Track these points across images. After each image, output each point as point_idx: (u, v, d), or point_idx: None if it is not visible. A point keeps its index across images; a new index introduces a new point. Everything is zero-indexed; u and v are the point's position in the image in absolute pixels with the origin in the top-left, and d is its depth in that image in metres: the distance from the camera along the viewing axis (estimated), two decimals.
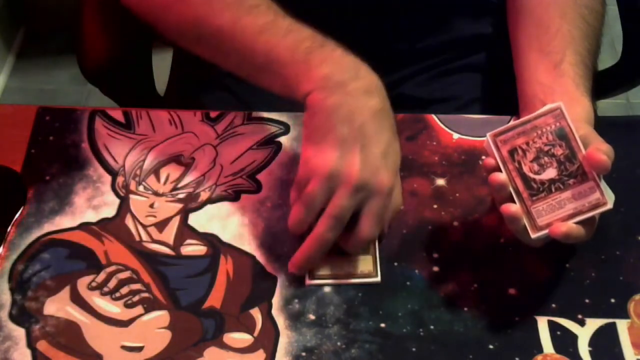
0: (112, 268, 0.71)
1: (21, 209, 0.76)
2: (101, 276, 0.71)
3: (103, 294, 0.70)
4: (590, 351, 0.66)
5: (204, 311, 0.69)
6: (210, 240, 0.73)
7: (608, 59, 1.01)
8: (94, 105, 0.84)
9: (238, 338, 0.67)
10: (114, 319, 0.68)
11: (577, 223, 0.65)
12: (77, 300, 0.69)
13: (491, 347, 0.67)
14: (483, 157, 0.78)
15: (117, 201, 0.76)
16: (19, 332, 0.68)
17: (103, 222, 0.74)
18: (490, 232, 0.73)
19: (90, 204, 0.76)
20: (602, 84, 1.04)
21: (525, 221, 0.66)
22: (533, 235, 0.66)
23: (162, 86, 1.09)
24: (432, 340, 0.67)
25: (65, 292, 0.70)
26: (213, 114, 0.82)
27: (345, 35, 0.90)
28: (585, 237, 0.66)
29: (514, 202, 0.66)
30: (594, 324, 0.68)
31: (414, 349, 0.67)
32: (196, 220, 0.74)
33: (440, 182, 0.77)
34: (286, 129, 0.81)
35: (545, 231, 0.65)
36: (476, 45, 0.96)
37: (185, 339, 0.67)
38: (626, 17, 1.00)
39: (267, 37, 0.73)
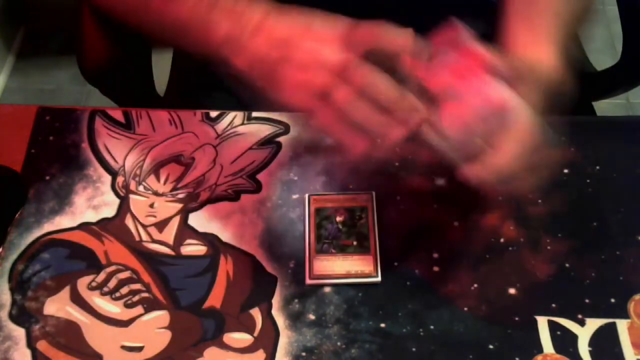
0: (112, 268, 0.71)
1: (21, 209, 0.76)
2: (101, 276, 0.71)
3: (103, 294, 0.70)
4: (590, 351, 0.66)
5: (204, 311, 0.69)
6: (210, 240, 0.73)
7: (608, 59, 1.01)
8: (94, 105, 0.84)
9: (238, 338, 0.67)
10: (114, 319, 0.68)
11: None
12: (77, 300, 0.69)
13: (491, 347, 0.67)
14: None
15: (117, 201, 0.76)
16: (19, 332, 0.68)
17: (103, 222, 0.74)
18: (490, 232, 0.73)
19: (90, 204, 0.76)
20: (602, 84, 1.04)
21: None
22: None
23: (162, 86, 1.09)
24: (432, 340, 0.67)
25: (65, 292, 0.70)
26: (213, 114, 0.82)
27: None
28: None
29: None
30: (594, 324, 0.68)
31: (414, 349, 0.67)
32: (196, 220, 0.75)
33: (440, 182, 0.77)
34: (286, 129, 0.81)
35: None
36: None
37: (185, 339, 0.67)
38: (626, 17, 1.00)
39: (174, 5, 0.73)
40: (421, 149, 0.79)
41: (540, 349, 0.66)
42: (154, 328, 0.68)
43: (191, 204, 0.76)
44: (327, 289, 0.70)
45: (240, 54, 0.70)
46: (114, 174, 0.78)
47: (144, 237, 0.73)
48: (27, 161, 0.79)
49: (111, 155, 0.79)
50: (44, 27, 1.97)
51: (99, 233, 0.74)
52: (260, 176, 0.77)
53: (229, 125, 0.81)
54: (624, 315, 0.68)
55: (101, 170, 0.78)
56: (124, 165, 0.78)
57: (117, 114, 0.82)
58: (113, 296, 0.70)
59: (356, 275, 0.70)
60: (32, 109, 0.83)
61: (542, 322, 0.68)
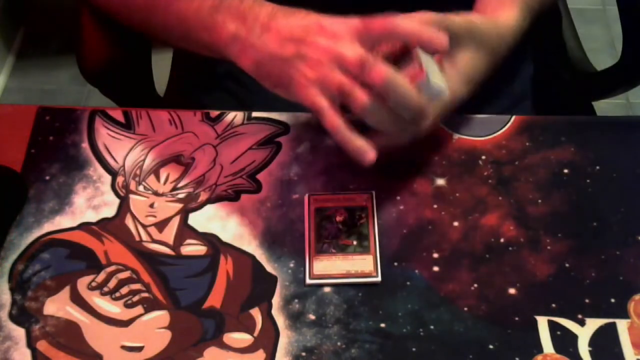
0: (112, 268, 0.71)
1: (21, 209, 0.76)
2: (101, 276, 0.71)
3: (103, 294, 0.70)
4: (590, 351, 0.66)
5: (204, 311, 0.69)
6: (210, 240, 0.73)
7: (608, 59, 1.01)
8: (94, 105, 0.84)
9: (238, 338, 0.67)
10: (114, 319, 0.68)
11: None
12: (77, 300, 0.69)
13: (491, 347, 0.67)
14: (483, 157, 0.78)
15: (117, 201, 0.76)
16: (19, 332, 0.68)
17: (103, 222, 0.74)
18: (490, 232, 0.73)
19: (90, 204, 0.76)
20: (602, 84, 1.04)
21: None
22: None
23: (162, 86, 1.09)
24: (432, 340, 0.67)
25: (65, 292, 0.70)
26: (213, 114, 0.82)
27: None
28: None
29: None
30: (594, 324, 0.68)
31: (414, 349, 0.67)
32: (196, 220, 0.75)
33: (440, 182, 0.77)
34: (286, 129, 0.81)
35: None
36: None
37: (185, 339, 0.67)
38: (626, 17, 1.00)
39: (178, 6, 0.74)
40: (421, 149, 0.79)
41: (540, 349, 0.66)
42: (154, 328, 0.68)
43: (191, 204, 0.76)
44: (327, 289, 0.70)
45: (248, 52, 0.70)
46: (114, 174, 0.78)
47: (144, 237, 0.73)
48: (27, 161, 0.79)
49: (111, 155, 0.79)
50: (44, 27, 1.97)
51: (99, 233, 0.74)
52: (260, 176, 0.77)
53: (229, 125, 0.81)
54: (624, 315, 0.68)
55: (101, 170, 0.78)
56: (124, 165, 0.78)
57: (117, 114, 0.82)
58: (113, 296, 0.70)
59: (356, 275, 0.70)
60: (32, 109, 0.83)
61: (542, 322, 0.68)
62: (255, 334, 0.67)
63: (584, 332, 0.67)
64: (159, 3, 0.76)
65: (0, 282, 0.71)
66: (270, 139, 0.80)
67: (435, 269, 0.71)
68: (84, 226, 0.74)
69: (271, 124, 0.81)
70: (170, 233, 0.74)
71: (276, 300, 0.69)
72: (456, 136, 0.80)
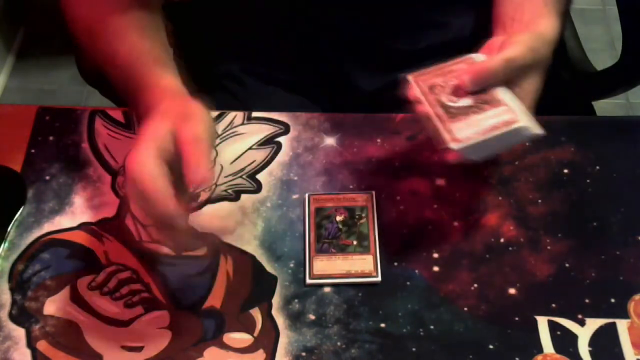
0: (112, 268, 0.71)
1: (21, 209, 0.76)
2: (101, 276, 0.71)
3: (103, 294, 0.70)
4: (590, 351, 0.66)
5: (204, 311, 0.69)
6: (210, 240, 0.73)
7: (608, 59, 1.01)
8: (94, 105, 0.84)
9: (238, 338, 0.67)
10: (114, 319, 0.68)
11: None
12: (77, 300, 0.69)
13: (491, 347, 0.67)
14: None
15: (117, 201, 0.76)
16: (19, 332, 0.68)
17: (103, 222, 0.74)
18: (490, 232, 0.73)
19: (90, 204, 0.76)
20: (602, 84, 1.04)
21: (447, 137, 0.67)
22: (453, 146, 0.66)
23: None
24: (432, 340, 0.67)
25: (65, 292, 0.70)
26: (213, 114, 0.82)
27: (346, 35, 0.90)
28: None
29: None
30: (594, 324, 0.68)
31: (414, 349, 0.67)
32: (196, 220, 0.74)
33: (440, 182, 0.77)
34: (286, 129, 0.81)
35: (465, 143, 0.66)
36: (476, 46, 0.96)
37: (185, 339, 0.67)
38: (626, 17, 0.99)
39: (108, 71, 0.75)
40: (421, 149, 0.79)
41: (540, 349, 0.66)
42: (154, 328, 0.68)
43: (191, 204, 0.75)
44: (327, 289, 0.70)
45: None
46: (114, 174, 0.78)
47: (144, 237, 0.73)
48: (27, 161, 0.79)
49: (111, 155, 0.79)
50: (44, 27, 1.97)
51: (99, 233, 0.74)
52: (260, 176, 0.77)
53: (229, 125, 0.81)
54: (624, 315, 0.68)
55: (101, 170, 0.78)
56: (124, 165, 0.78)
57: (117, 114, 0.82)
58: (113, 296, 0.70)
59: (356, 275, 0.70)
60: (32, 109, 0.83)
61: (542, 322, 0.68)
62: (255, 334, 0.67)
63: (584, 332, 0.67)
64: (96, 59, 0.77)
65: (0, 282, 0.71)
66: (270, 139, 0.80)
67: (435, 269, 0.71)
68: (84, 226, 0.74)
69: (271, 124, 0.81)
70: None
71: (276, 300, 0.69)
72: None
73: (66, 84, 1.88)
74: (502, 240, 0.73)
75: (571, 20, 1.08)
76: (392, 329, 0.68)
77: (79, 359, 0.66)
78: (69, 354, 0.66)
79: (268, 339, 0.67)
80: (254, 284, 0.70)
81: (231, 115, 0.82)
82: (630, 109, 1.83)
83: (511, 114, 0.67)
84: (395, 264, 0.71)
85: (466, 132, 0.67)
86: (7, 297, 0.70)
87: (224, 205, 0.75)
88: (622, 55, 1.00)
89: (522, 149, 0.78)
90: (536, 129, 0.67)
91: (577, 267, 0.71)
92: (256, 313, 0.69)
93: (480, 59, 0.71)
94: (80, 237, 0.73)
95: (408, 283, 0.70)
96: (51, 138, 0.81)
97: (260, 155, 0.79)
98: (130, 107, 0.73)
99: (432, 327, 0.68)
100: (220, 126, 0.81)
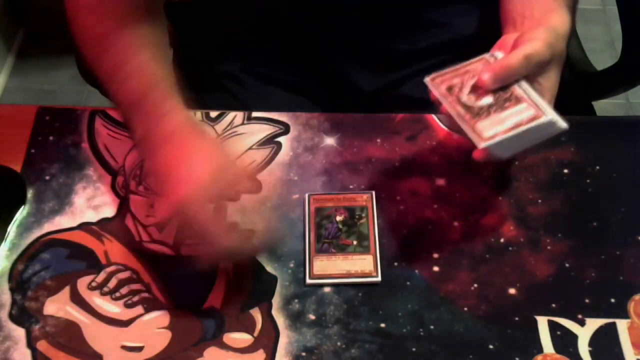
0: (112, 268, 0.71)
1: (21, 208, 0.76)
2: (101, 276, 0.71)
3: (103, 294, 0.70)
4: (590, 351, 0.66)
5: (204, 311, 0.69)
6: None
7: (608, 59, 1.01)
8: (94, 105, 0.84)
9: (238, 338, 0.67)
10: (114, 319, 0.68)
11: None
12: (77, 300, 0.69)
13: (491, 347, 0.67)
14: None
15: (117, 201, 0.76)
16: (19, 332, 0.68)
17: (103, 222, 0.74)
18: (490, 232, 0.73)
19: (90, 204, 0.76)
20: (602, 84, 1.04)
21: (473, 137, 0.67)
22: (481, 145, 0.67)
23: None
24: (432, 340, 0.67)
25: (65, 292, 0.70)
26: (213, 114, 0.82)
27: (346, 35, 0.90)
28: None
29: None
30: (594, 324, 0.68)
31: (414, 349, 0.67)
32: None
33: (440, 182, 0.77)
34: (286, 129, 0.81)
35: (492, 141, 0.66)
36: (477, 45, 0.96)
37: (185, 339, 0.67)
38: (626, 17, 0.99)
39: (109, 87, 0.74)
40: (421, 149, 0.79)
41: (540, 349, 0.66)
42: (154, 328, 0.68)
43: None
44: (327, 289, 0.70)
45: (149, 162, 0.73)
46: (114, 174, 0.78)
47: (144, 237, 0.73)
48: (27, 161, 0.79)
49: (111, 155, 0.79)
50: (44, 27, 1.97)
51: (99, 233, 0.74)
52: (260, 176, 0.77)
53: (229, 125, 0.81)
54: (624, 315, 0.68)
55: (101, 170, 0.78)
56: (124, 165, 0.78)
57: (117, 114, 0.82)
58: (113, 296, 0.70)
59: (356, 275, 0.70)
60: (32, 109, 0.83)
61: (542, 322, 0.68)
62: (255, 334, 0.67)
63: (584, 332, 0.67)
64: (98, 74, 0.76)
65: (0, 282, 0.71)
66: (270, 139, 0.80)
67: (435, 269, 0.71)
68: (84, 226, 0.74)
69: (271, 124, 0.81)
70: (170, 233, 0.74)
71: (276, 300, 0.69)
72: (456, 136, 0.80)
73: (66, 84, 1.88)
74: (502, 240, 0.73)
75: None
76: (392, 329, 0.68)
77: (79, 359, 0.66)
78: (69, 354, 0.66)
79: (268, 339, 0.67)
80: (254, 284, 0.70)
81: (231, 115, 0.82)
82: (630, 109, 1.83)
83: (534, 109, 0.68)
84: (395, 264, 0.71)
85: (491, 130, 0.67)
86: (7, 297, 0.70)
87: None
88: (622, 55, 1.00)
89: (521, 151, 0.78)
90: (561, 123, 0.68)
91: (577, 267, 0.71)
92: (256, 313, 0.69)
93: (499, 57, 0.72)
94: (80, 237, 0.73)
95: (408, 283, 0.70)
96: (51, 138, 0.81)
97: (260, 155, 0.79)
98: (129, 121, 0.72)
99: (432, 327, 0.68)
100: (220, 126, 0.81)
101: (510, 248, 0.72)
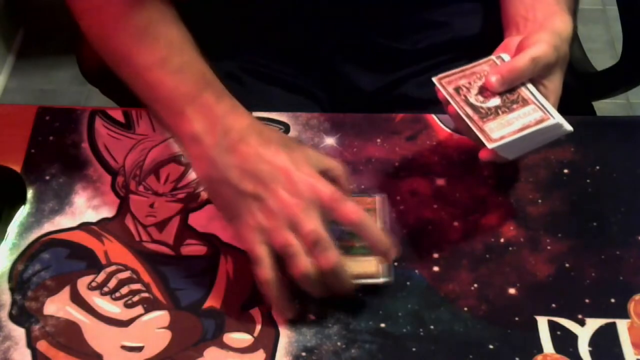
0: (112, 268, 0.71)
1: (21, 208, 0.76)
2: (101, 276, 0.71)
3: (103, 294, 0.70)
4: (590, 351, 0.66)
5: (204, 311, 0.69)
6: (210, 240, 0.73)
7: (608, 59, 1.01)
8: (94, 105, 0.85)
9: (238, 338, 0.67)
10: (114, 319, 0.68)
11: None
12: (77, 300, 0.69)
13: (491, 347, 0.67)
14: None
15: (117, 201, 0.76)
16: (19, 332, 0.68)
17: (103, 222, 0.74)
18: (490, 232, 0.73)
19: (90, 204, 0.76)
20: (602, 84, 1.04)
21: (482, 137, 0.68)
22: (490, 146, 0.68)
23: None
24: (432, 340, 0.67)
25: (65, 292, 0.70)
26: None
27: (346, 35, 0.90)
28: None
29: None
30: (594, 324, 0.68)
31: (414, 349, 0.67)
32: (196, 220, 0.74)
33: (440, 182, 0.77)
34: (286, 129, 0.81)
35: (501, 142, 0.67)
36: (477, 46, 0.96)
37: (185, 339, 0.67)
38: (626, 17, 1.00)
39: (153, 75, 0.71)
40: (421, 149, 0.79)
41: (540, 349, 0.66)
42: (154, 328, 0.68)
43: (191, 204, 0.76)
44: None
45: (205, 163, 0.68)
46: (114, 174, 0.78)
47: (144, 237, 0.73)
48: (27, 161, 0.79)
49: (111, 155, 0.79)
50: (44, 27, 1.97)
51: (99, 233, 0.74)
52: None
53: None
54: (624, 315, 0.68)
55: (101, 170, 0.78)
56: (124, 165, 0.78)
57: (117, 114, 0.82)
58: (113, 296, 0.70)
59: (361, 276, 0.70)
60: (32, 109, 0.83)
61: (542, 322, 0.68)
62: (255, 334, 0.67)
63: (584, 332, 0.67)
64: (135, 61, 0.73)
65: (0, 282, 0.71)
66: None
67: (435, 269, 0.71)
68: (84, 226, 0.74)
69: (271, 124, 0.81)
70: (170, 233, 0.74)
71: None
72: (456, 136, 0.80)
73: (66, 84, 1.88)
74: (502, 240, 0.73)
75: None
76: (392, 329, 0.68)
77: (79, 359, 0.66)
78: (69, 354, 0.66)
79: (268, 339, 0.67)
80: (254, 284, 0.70)
81: None
82: (630, 109, 1.83)
83: (541, 112, 0.69)
84: (395, 264, 0.71)
85: (500, 131, 0.68)
86: (7, 297, 0.70)
87: None
88: (622, 55, 1.00)
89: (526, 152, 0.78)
90: (567, 126, 0.69)
91: (577, 267, 0.71)
92: (256, 313, 0.69)
93: (505, 59, 0.72)
94: (80, 237, 0.73)
95: (408, 283, 0.70)
96: (51, 138, 0.81)
97: None
98: (176, 115, 0.70)
99: (432, 327, 0.68)
100: None
101: (510, 248, 0.72)
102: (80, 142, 0.80)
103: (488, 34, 0.97)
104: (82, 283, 0.70)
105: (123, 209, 0.75)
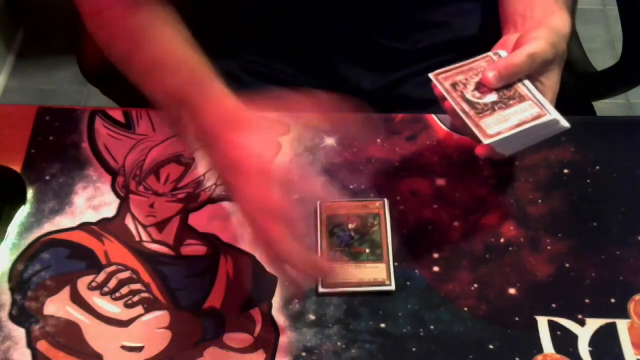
0: (112, 268, 0.71)
1: (21, 208, 0.76)
2: (101, 276, 0.71)
3: (103, 294, 0.70)
4: (590, 351, 0.66)
5: (204, 311, 0.69)
6: (210, 240, 0.73)
7: (608, 59, 1.01)
8: (94, 105, 0.85)
9: (238, 338, 0.67)
10: (114, 319, 0.68)
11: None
12: (77, 300, 0.69)
13: (491, 347, 0.67)
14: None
15: (117, 201, 0.76)
16: (19, 332, 0.68)
17: (103, 222, 0.74)
18: (490, 232, 0.73)
19: (90, 204, 0.76)
20: (602, 84, 1.04)
21: (478, 133, 0.68)
22: (485, 141, 0.67)
23: None
24: (432, 340, 0.67)
25: (65, 292, 0.70)
26: None
27: (346, 35, 0.90)
28: None
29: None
30: (594, 324, 0.68)
31: (414, 349, 0.67)
32: (196, 220, 0.74)
33: (440, 182, 0.77)
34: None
35: (497, 137, 0.67)
36: (476, 45, 0.96)
37: (185, 339, 0.67)
38: (626, 17, 0.99)
39: (154, 75, 0.72)
40: (421, 149, 0.79)
41: (540, 349, 0.66)
42: (154, 328, 0.68)
43: (191, 204, 0.76)
44: None
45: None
46: (114, 174, 0.78)
47: (144, 237, 0.73)
48: (27, 161, 0.79)
49: (111, 155, 0.79)
50: (44, 27, 1.97)
51: (99, 233, 0.74)
52: None
53: None
54: (624, 315, 0.68)
55: (101, 170, 0.78)
56: (124, 165, 0.78)
57: (117, 114, 0.82)
58: (113, 296, 0.70)
59: (369, 284, 0.70)
60: (32, 109, 0.83)
61: (542, 322, 0.68)
62: (255, 334, 0.67)
63: (584, 332, 0.67)
64: (136, 64, 0.75)
65: (0, 282, 0.71)
66: None
67: (435, 269, 0.71)
68: (84, 226, 0.74)
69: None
70: (170, 233, 0.74)
71: (276, 300, 0.69)
72: (456, 136, 0.80)
73: (66, 84, 1.88)
74: (502, 240, 0.73)
75: None
76: (392, 329, 0.68)
77: (79, 359, 0.66)
78: (69, 354, 0.66)
79: (268, 339, 0.67)
80: (254, 284, 0.70)
81: None
82: (630, 109, 1.83)
83: (538, 108, 0.69)
84: (395, 263, 0.71)
85: (496, 127, 0.68)
86: (7, 297, 0.70)
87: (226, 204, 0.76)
88: (622, 55, 1.00)
89: (522, 149, 0.78)
90: (564, 122, 0.69)
91: (577, 267, 0.71)
92: (256, 313, 0.69)
93: (502, 55, 0.72)
94: (80, 237, 0.73)
95: (408, 283, 0.70)
96: (51, 138, 0.81)
97: None
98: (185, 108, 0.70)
99: (432, 327, 0.68)
100: None
101: (510, 248, 0.72)
102: (80, 142, 0.80)
103: (488, 34, 0.97)
104: (82, 283, 0.70)
105: (123, 209, 0.75)
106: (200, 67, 0.72)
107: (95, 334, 0.67)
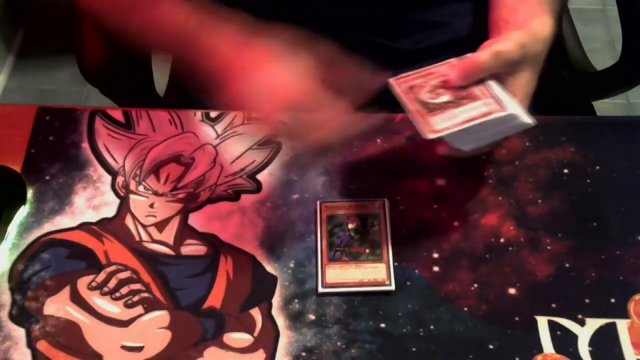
0: (112, 268, 0.71)
1: (21, 208, 0.76)
2: (101, 276, 0.71)
3: (103, 294, 0.70)
4: (590, 351, 0.66)
5: (204, 311, 0.69)
6: (210, 240, 0.73)
7: (608, 59, 1.01)
8: (94, 105, 0.84)
9: (238, 338, 0.67)
10: (114, 319, 0.68)
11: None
12: (77, 300, 0.69)
13: (491, 347, 0.67)
14: (483, 157, 0.78)
15: (117, 201, 0.76)
16: (19, 332, 0.68)
17: (103, 222, 0.74)
18: (490, 232, 0.73)
19: (90, 204, 0.76)
20: (602, 84, 1.04)
21: (423, 129, 0.67)
22: (428, 136, 0.67)
23: (162, 86, 1.09)
24: (432, 340, 0.67)
25: (65, 292, 0.70)
26: (213, 114, 0.82)
27: (346, 35, 0.90)
28: None
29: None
30: (594, 324, 0.68)
31: (414, 349, 0.67)
32: (196, 220, 0.75)
33: (440, 182, 0.77)
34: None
35: (441, 133, 0.67)
36: (476, 46, 0.96)
37: (185, 339, 0.67)
38: (626, 17, 1.00)
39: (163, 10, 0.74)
40: (421, 149, 0.79)
41: (540, 349, 0.66)
42: (154, 328, 0.68)
43: (191, 204, 0.76)
44: None
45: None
46: (114, 174, 0.78)
47: (144, 237, 0.73)
48: (27, 161, 0.79)
49: (111, 155, 0.79)
50: (44, 27, 1.97)
51: (99, 233, 0.74)
52: (260, 176, 0.77)
53: (229, 125, 0.81)
54: (624, 315, 0.68)
55: (101, 170, 0.78)
56: (124, 165, 0.78)
57: (117, 114, 0.82)
58: (113, 296, 0.70)
59: (369, 284, 0.70)
60: (32, 109, 0.83)
61: (542, 322, 0.68)
62: (255, 334, 0.67)
63: (584, 332, 0.67)
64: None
65: (0, 282, 0.71)
66: (270, 139, 0.80)
67: (435, 269, 0.71)
68: (84, 226, 0.74)
69: None
70: (170, 233, 0.74)
71: (276, 300, 0.69)
72: None
73: (66, 84, 1.88)
74: (502, 240, 0.73)
75: (571, 20, 1.08)
76: (392, 329, 0.68)
77: (79, 359, 0.66)
78: (69, 354, 0.66)
79: (268, 339, 0.67)
80: (254, 284, 0.70)
81: (231, 115, 0.82)
82: (630, 109, 1.83)
83: (493, 105, 0.68)
84: (395, 263, 0.71)
85: (443, 124, 0.67)
86: (7, 297, 0.70)
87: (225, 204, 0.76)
88: (622, 55, 1.00)
89: (522, 149, 0.78)
90: (525, 118, 0.68)
91: (577, 267, 0.71)
92: (256, 313, 0.69)
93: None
94: (80, 237, 0.74)
95: (408, 283, 0.70)
96: (51, 138, 0.81)
97: (260, 155, 0.79)
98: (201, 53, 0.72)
99: (432, 327, 0.68)
100: (221, 126, 0.81)
101: (510, 248, 0.72)
102: (80, 142, 0.80)
103: (488, 34, 0.97)
104: (82, 283, 0.70)
105: (123, 209, 0.75)
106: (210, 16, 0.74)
107: (95, 334, 0.68)
